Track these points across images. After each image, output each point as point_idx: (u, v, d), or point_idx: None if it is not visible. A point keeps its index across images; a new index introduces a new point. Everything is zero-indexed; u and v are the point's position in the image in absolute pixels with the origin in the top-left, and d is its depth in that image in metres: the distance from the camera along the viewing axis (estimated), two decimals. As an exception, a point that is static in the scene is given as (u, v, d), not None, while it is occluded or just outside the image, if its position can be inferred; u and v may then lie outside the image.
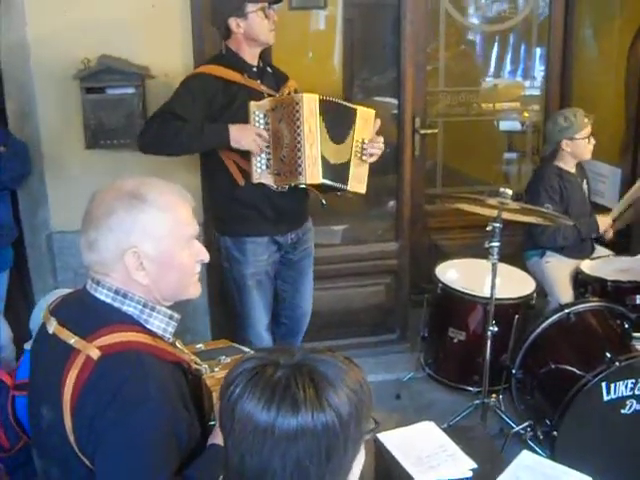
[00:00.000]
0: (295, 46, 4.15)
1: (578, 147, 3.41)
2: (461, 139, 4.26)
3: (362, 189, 2.85)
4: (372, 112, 2.86)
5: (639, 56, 3.75)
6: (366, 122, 2.82)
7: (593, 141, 3.43)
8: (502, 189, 2.84)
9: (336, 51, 4.46)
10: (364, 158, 2.80)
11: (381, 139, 2.87)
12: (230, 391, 1.11)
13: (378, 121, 2.87)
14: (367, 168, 2.84)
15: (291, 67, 3.05)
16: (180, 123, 2.67)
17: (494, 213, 2.87)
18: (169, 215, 1.48)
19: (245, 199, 2.82)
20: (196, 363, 1.61)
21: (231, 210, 2.87)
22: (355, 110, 2.80)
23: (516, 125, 4.42)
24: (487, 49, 4.40)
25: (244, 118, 2.72)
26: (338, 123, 2.76)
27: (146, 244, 1.45)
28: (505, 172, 4.54)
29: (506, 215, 2.89)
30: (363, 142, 2.80)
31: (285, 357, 1.12)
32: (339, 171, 2.76)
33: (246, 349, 1.84)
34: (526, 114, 4.36)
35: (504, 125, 4.42)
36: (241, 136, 2.69)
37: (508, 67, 4.45)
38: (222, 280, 3.09)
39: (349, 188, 2.79)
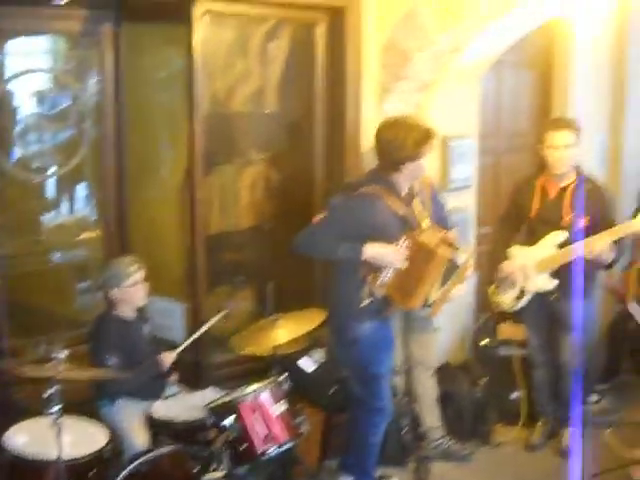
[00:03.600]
0: None
1: (127, 294, 3.88)
2: (29, 285, 4.49)
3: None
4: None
5: (192, 192, 4.50)
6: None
7: (143, 286, 3.93)
8: (55, 354, 3.12)
9: None
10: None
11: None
12: None
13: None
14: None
15: None
16: None
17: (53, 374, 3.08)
18: None
19: None
20: None
21: None
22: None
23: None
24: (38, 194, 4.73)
25: None
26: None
27: None
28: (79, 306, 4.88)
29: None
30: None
31: None
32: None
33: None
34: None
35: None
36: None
37: (65, 209, 4.86)
38: None
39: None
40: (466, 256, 4.05)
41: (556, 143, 4.57)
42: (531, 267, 4.70)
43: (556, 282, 4.66)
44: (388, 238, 3.85)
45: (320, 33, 4.84)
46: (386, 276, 3.87)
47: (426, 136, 3.86)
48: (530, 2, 4.37)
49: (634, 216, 4.64)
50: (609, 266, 4.74)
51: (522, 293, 4.78)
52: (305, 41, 4.85)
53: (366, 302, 3.92)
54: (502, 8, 4.40)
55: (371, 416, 4.19)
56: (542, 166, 4.77)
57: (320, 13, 4.79)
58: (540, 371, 5.08)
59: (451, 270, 3.96)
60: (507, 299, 4.85)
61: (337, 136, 4.85)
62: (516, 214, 4.85)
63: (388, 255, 3.83)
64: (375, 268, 3.88)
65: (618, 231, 4.44)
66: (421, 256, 3.82)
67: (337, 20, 4.79)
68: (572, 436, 4.94)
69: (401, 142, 3.81)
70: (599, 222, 4.55)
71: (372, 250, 3.82)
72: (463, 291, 4.15)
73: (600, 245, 4.39)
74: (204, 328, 4.13)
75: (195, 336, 4.11)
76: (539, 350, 5.03)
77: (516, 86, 6.16)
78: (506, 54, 5.35)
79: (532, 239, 4.73)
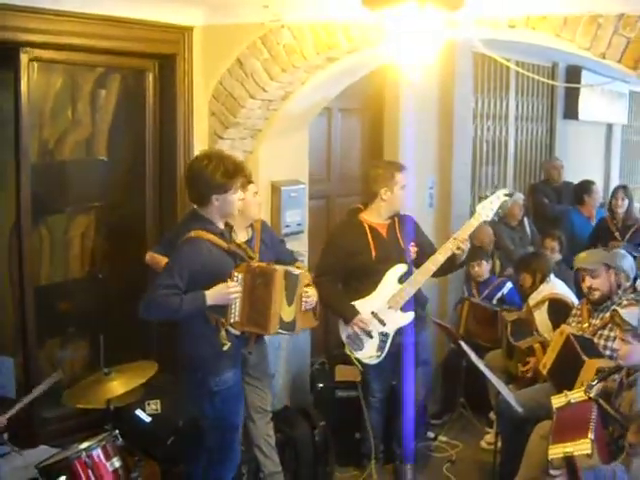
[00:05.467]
0: None
1: None
2: None
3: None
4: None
5: (20, 242, 4.59)
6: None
7: None
8: None
9: None
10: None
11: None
12: None
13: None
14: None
15: None
16: None
17: None
18: None
19: None
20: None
21: None
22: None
23: None
24: None
25: None
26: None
27: None
28: None
29: None
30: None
31: None
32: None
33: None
34: None
35: None
36: None
37: None
38: None
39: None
40: (301, 269, 4.51)
41: (404, 183, 5.07)
42: (382, 310, 5.04)
43: (412, 314, 5.05)
44: (223, 275, 4.09)
45: (150, 80, 5.11)
46: (235, 313, 4.11)
47: (234, 169, 4.10)
48: (359, 49, 4.71)
49: None
50: (461, 264, 5.21)
51: (384, 338, 5.07)
52: (135, 88, 5.09)
53: (228, 345, 4.13)
54: (331, 56, 4.78)
55: (221, 469, 4.40)
56: (354, 211, 5.24)
57: (150, 60, 5.06)
58: (377, 411, 5.44)
59: (294, 282, 4.34)
60: (370, 352, 5.10)
61: (168, 182, 5.09)
62: (350, 264, 5.12)
63: (226, 292, 4.05)
64: (222, 311, 4.09)
65: (467, 228, 4.94)
66: (260, 280, 4.13)
67: (167, 67, 5.08)
68: (412, 472, 5.37)
69: (209, 174, 4.04)
70: (423, 245, 5.20)
71: (212, 293, 4.01)
72: (314, 297, 4.53)
73: (464, 236, 4.90)
74: (36, 393, 4.20)
75: (26, 400, 4.16)
76: (379, 391, 5.38)
77: (347, 131, 6.64)
78: (337, 100, 5.79)
79: (373, 281, 5.07)
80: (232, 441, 4.36)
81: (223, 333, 4.11)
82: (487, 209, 4.94)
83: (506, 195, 5.04)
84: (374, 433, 5.44)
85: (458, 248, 4.89)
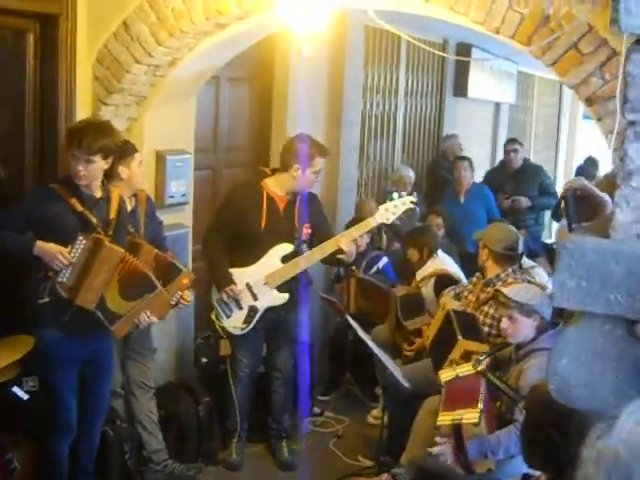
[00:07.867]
0: None
1: None
2: None
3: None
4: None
5: None
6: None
7: None
8: None
9: None
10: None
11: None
12: None
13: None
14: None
15: None
16: None
17: None
18: None
19: None
20: None
21: None
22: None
23: None
24: None
25: None
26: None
27: None
28: None
29: None
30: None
31: None
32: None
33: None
34: None
35: None
36: None
37: None
38: None
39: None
40: (166, 288, 4.34)
41: (320, 168, 5.17)
42: (258, 284, 5.09)
43: (287, 296, 5.13)
44: (62, 233, 4.14)
45: (31, 41, 4.94)
46: (66, 275, 4.13)
47: (73, 133, 4.24)
48: (249, 16, 4.71)
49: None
50: (350, 264, 5.33)
51: (253, 312, 5.13)
52: (15, 49, 4.92)
53: (44, 300, 4.17)
54: (220, 22, 4.77)
55: (52, 432, 4.40)
56: (260, 174, 5.32)
57: (31, 20, 4.90)
58: (245, 386, 5.45)
59: (146, 288, 4.26)
60: (235, 322, 5.17)
61: (49, 148, 4.98)
62: (239, 227, 5.15)
63: (54, 255, 4.08)
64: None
65: (363, 226, 5.06)
66: (93, 252, 4.15)
67: (49, 28, 4.94)
68: (288, 448, 5.46)
69: (66, 139, 4.27)
70: (319, 229, 5.24)
71: (43, 247, 4.08)
72: (153, 320, 4.35)
73: (347, 240, 4.96)
74: None
75: None
76: (247, 366, 5.40)
77: (235, 101, 6.63)
78: (225, 69, 5.77)
79: (257, 253, 5.12)
80: (55, 404, 4.38)
81: (46, 286, 4.16)
82: (389, 213, 5.00)
83: (412, 202, 5.12)
84: (240, 409, 5.47)
85: (341, 251, 4.95)
